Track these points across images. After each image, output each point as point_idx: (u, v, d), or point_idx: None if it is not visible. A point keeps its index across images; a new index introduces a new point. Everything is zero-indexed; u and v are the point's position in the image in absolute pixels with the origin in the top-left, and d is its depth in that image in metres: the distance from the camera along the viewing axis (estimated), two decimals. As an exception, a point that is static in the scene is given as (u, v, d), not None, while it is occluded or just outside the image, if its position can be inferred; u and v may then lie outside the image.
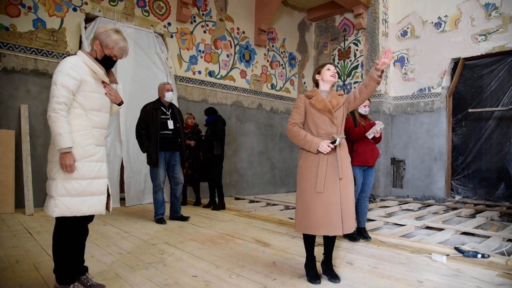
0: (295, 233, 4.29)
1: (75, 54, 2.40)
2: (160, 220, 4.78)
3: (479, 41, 7.67)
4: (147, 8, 6.82)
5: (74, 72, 2.25)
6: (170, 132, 4.87)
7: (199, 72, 7.63)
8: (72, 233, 2.36)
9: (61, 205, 2.22)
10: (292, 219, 5.43)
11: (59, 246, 2.31)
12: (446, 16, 8.16)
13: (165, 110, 4.91)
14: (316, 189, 2.60)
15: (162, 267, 2.95)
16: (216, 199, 6.19)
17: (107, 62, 2.41)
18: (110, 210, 2.52)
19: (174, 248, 3.57)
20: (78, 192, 2.27)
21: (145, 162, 6.38)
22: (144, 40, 6.69)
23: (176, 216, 5.01)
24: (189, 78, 7.39)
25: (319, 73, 2.89)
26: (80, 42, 5.96)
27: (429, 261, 3.26)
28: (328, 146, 2.59)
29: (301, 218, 2.68)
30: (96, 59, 2.38)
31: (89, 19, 6.13)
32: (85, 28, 5.99)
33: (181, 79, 7.25)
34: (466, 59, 7.96)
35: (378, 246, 3.75)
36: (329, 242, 2.77)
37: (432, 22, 8.38)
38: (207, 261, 3.15)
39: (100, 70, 2.36)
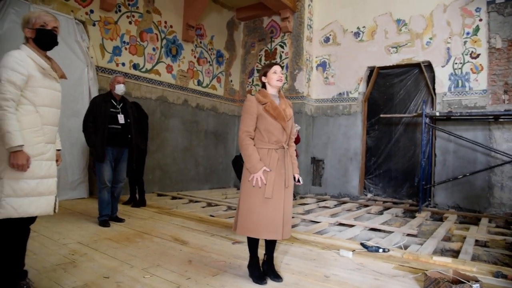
0: (214, 231, 4.35)
1: (19, 48, 2.26)
2: (103, 222, 4.40)
3: (391, 53, 8.37)
4: (66, -8, 6.38)
5: (20, 67, 2.14)
6: (120, 126, 4.54)
7: (123, 64, 7.32)
8: (14, 235, 2.23)
9: (7, 206, 2.10)
10: (213, 216, 5.48)
11: (0, 250, 2.17)
12: (364, 27, 8.77)
13: (115, 103, 4.59)
14: (265, 194, 2.64)
15: (72, 269, 2.82)
16: (137, 196, 6.03)
17: (46, 38, 2.30)
18: (57, 210, 2.41)
19: (87, 247, 3.42)
20: (25, 193, 2.16)
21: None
22: (62, 26, 6.18)
23: (112, 216, 4.65)
24: (112, 70, 7.05)
25: (265, 74, 2.83)
26: (-14, 22, 5.39)
27: (337, 257, 3.51)
28: (261, 179, 2.62)
29: (245, 220, 2.68)
30: (37, 44, 2.28)
31: (-2, -3, 5.57)
32: (-7, 7, 5.44)
33: (103, 70, 6.90)
34: (380, 68, 8.65)
35: (293, 243, 3.94)
36: (271, 244, 2.85)
37: (352, 32, 8.95)
38: (121, 260, 3.07)
39: (46, 65, 2.27)
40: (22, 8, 5.68)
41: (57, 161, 2.46)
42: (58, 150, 2.54)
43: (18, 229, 2.27)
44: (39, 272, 2.70)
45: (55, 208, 2.38)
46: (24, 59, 2.19)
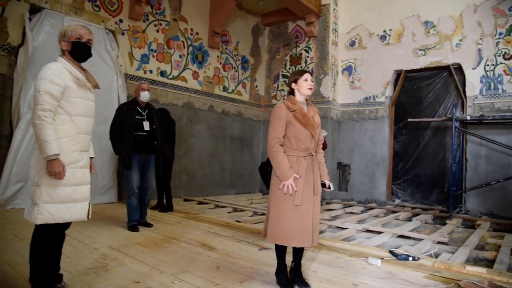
0: (240, 237, 4.36)
1: (56, 60, 2.36)
2: (132, 227, 4.48)
3: (419, 55, 8.20)
4: (98, 3, 6.58)
5: (57, 78, 2.23)
6: (146, 133, 4.62)
7: (151, 72, 7.50)
8: (51, 239, 2.33)
9: (45, 212, 2.20)
10: (239, 222, 5.50)
11: (38, 254, 2.28)
12: (390, 29, 8.64)
13: (140, 110, 4.67)
14: (295, 202, 2.63)
15: (103, 273, 2.89)
16: (164, 201, 6.13)
17: (81, 50, 2.39)
18: (90, 216, 2.50)
19: (117, 252, 3.50)
20: (61, 199, 2.26)
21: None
22: (94, 36, 6.44)
23: (141, 221, 4.73)
24: (140, 77, 7.21)
25: (295, 81, 2.80)
26: (24, 34, 5.62)
27: (366, 265, 3.46)
28: (292, 186, 2.61)
29: (275, 228, 2.68)
30: (73, 56, 2.37)
31: (34, 10, 5.78)
32: (30, 19, 5.66)
33: (131, 77, 7.08)
34: (407, 71, 8.49)
35: (320, 250, 3.91)
36: (299, 251, 2.85)
37: (378, 35, 8.83)
38: (150, 265, 3.13)
39: (81, 76, 2.37)
40: (56, 20, 5.92)
41: (90, 170, 2.55)
42: (91, 158, 2.62)
43: (54, 234, 2.36)
44: (72, 276, 2.79)
45: (88, 214, 2.47)
46: (61, 70, 2.28)
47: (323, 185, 2.85)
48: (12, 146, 5.29)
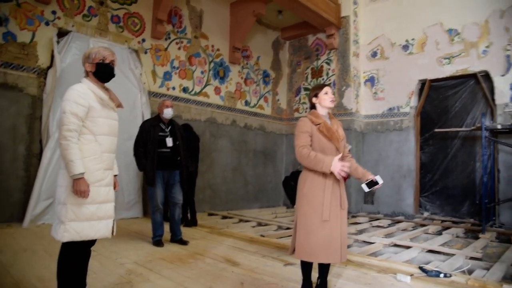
0: (265, 252, 4.31)
1: (80, 82, 2.44)
2: (157, 243, 4.53)
3: (444, 64, 8.03)
4: (121, 24, 6.80)
5: (82, 99, 2.31)
6: (169, 150, 4.65)
7: (173, 88, 7.63)
8: (77, 256, 2.39)
9: (71, 230, 2.26)
10: (263, 236, 5.45)
11: (65, 270, 2.34)
12: (413, 39, 8.51)
13: (163, 127, 4.71)
14: (322, 217, 2.58)
15: (128, 290, 2.90)
16: (189, 216, 6.15)
17: (105, 71, 2.44)
18: (114, 233, 2.54)
19: (142, 267, 3.52)
20: (86, 217, 2.32)
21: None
22: (118, 56, 6.59)
23: (175, 239, 4.74)
24: (163, 94, 7.36)
25: (316, 95, 2.81)
26: (52, 56, 5.84)
27: (394, 281, 3.34)
28: (344, 166, 2.49)
29: (303, 244, 2.64)
30: (96, 77, 2.43)
31: (61, 33, 6.03)
32: (58, 42, 5.90)
33: (155, 94, 7.23)
34: (432, 80, 8.31)
35: (346, 265, 3.81)
36: (325, 267, 2.80)
37: (400, 45, 8.72)
38: (175, 282, 3.12)
39: (105, 96, 2.43)
40: (82, 42, 6.14)
41: (114, 187, 2.59)
42: (115, 175, 2.66)
43: (80, 251, 2.40)
44: (98, 292, 2.81)
45: (113, 231, 2.50)
46: (85, 91, 2.35)
47: (371, 182, 2.65)
48: (42, 163, 5.46)
